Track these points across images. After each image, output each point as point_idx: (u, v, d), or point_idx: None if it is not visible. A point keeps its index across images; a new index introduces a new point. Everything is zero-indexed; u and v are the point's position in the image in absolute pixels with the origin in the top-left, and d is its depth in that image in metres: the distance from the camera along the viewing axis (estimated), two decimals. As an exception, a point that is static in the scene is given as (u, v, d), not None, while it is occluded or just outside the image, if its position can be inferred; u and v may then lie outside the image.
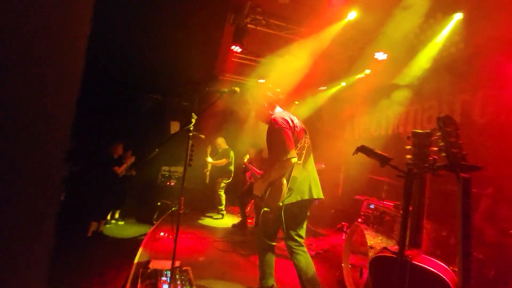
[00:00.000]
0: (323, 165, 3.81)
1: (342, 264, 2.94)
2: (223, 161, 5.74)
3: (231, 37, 4.38)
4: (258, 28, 4.35)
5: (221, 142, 6.08)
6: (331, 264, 3.41)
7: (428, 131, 1.32)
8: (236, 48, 4.42)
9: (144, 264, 2.93)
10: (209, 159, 5.81)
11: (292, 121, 2.34)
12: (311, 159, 2.42)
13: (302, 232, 2.35)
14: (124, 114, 6.96)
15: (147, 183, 6.21)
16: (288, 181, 2.19)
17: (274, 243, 2.40)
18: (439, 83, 3.80)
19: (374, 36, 3.96)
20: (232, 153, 5.91)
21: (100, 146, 4.79)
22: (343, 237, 3.48)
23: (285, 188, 2.15)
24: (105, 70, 6.42)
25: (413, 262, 1.40)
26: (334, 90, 5.79)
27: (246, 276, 3.00)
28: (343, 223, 3.87)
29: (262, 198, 2.33)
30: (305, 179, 2.28)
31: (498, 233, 2.32)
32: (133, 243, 3.78)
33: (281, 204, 2.15)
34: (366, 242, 2.56)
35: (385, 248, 1.65)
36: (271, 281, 2.40)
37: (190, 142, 2.29)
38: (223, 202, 5.74)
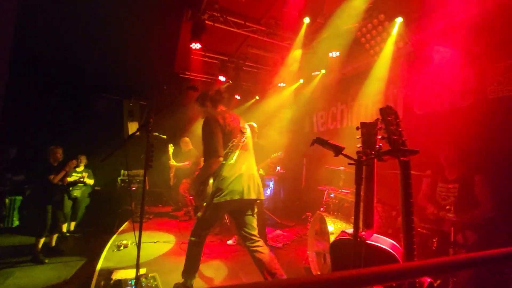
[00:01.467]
0: (280, 153, 3.97)
1: (308, 252, 3.10)
2: (187, 163, 5.60)
3: (189, 34, 4.27)
4: (216, 25, 4.31)
5: (186, 142, 5.91)
6: (297, 253, 3.56)
7: (373, 121, 1.46)
8: (195, 45, 4.32)
9: (106, 276, 2.76)
10: (173, 162, 5.62)
11: (225, 119, 2.33)
12: (249, 158, 2.42)
13: (253, 230, 2.38)
14: (76, 116, 6.39)
15: (106, 190, 5.80)
16: (215, 180, 2.23)
17: (199, 240, 2.41)
18: (385, 79, 4.18)
19: (328, 36, 4.19)
20: (197, 153, 5.80)
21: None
22: (308, 227, 3.66)
23: (210, 188, 2.22)
24: (53, 69, 5.84)
25: (367, 241, 1.53)
26: (294, 87, 6.00)
27: (216, 275, 3.00)
28: (307, 213, 4.06)
29: (196, 196, 2.36)
30: (238, 179, 2.24)
31: (437, 209, 2.64)
32: (92, 256, 3.52)
33: (204, 204, 2.21)
34: (328, 229, 2.73)
35: (343, 231, 1.78)
36: (192, 279, 2.43)
37: (150, 143, 2.20)
38: (189, 203, 5.62)
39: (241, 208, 2.35)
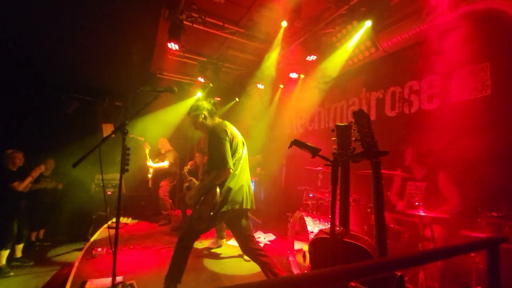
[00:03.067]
0: (259, 156, 4.03)
1: (288, 251, 3.15)
2: (164, 164, 5.45)
3: (166, 33, 4.19)
4: (194, 25, 4.26)
5: (163, 143, 5.76)
6: (278, 253, 3.61)
7: (347, 124, 1.53)
8: (173, 46, 4.24)
9: (79, 286, 2.63)
10: (150, 163, 5.44)
11: (232, 131, 2.44)
12: (247, 170, 2.54)
13: (251, 232, 2.46)
14: (46, 118, 6.00)
15: (79, 195, 5.52)
16: (221, 191, 2.29)
17: (189, 245, 2.43)
18: (358, 82, 4.38)
19: (305, 39, 4.30)
20: (175, 154, 5.67)
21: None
22: (288, 227, 3.72)
23: (218, 198, 2.24)
24: (21, 68, 5.45)
25: (344, 239, 1.59)
26: (276, 96, 6.08)
27: (197, 279, 2.96)
28: (287, 213, 4.13)
29: (194, 206, 2.35)
30: (240, 190, 2.38)
31: (407, 206, 2.80)
32: (64, 265, 3.33)
33: (212, 214, 2.23)
34: (307, 228, 2.80)
35: (321, 230, 1.84)
36: (175, 284, 2.39)
37: (126, 145, 2.14)
38: (169, 206, 5.48)
39: (237, 216, 2.42)
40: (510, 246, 2.13)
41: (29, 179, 3.66)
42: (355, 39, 3.55)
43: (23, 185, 3.59)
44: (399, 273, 1.46)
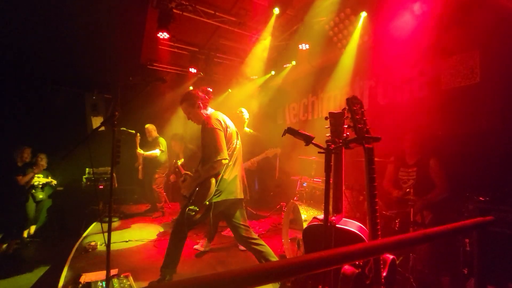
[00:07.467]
0: (278, 149, 4.03)
1: (282, 240, 3.19)
2: (155, 152, 5.31)
3: (155, 23, 4.07)
4: (185, 14, 4.14)
5: (151, 129, 5.53)
6: (273, 242, 3.65)
7: (341, 111, 1.52)
8: (163, 35, 4.13)
9: (74, 280, 2.61)
10: (140, 151, 5.22)
11: (225, 122, 2.43)
12: (240, 160, 2.55)
13: (246, 222, 2.50)
14: (32, 111, 5.81)
15: (70, 190, 5.42)
16: (217, 181, 2.30)
17: (183, 235, 2.48)
18: (351, 72, 4.36)
19: (297, 27, 4.25)
20: (164, 142, 5.50)
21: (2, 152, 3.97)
22: (282, 216, 3.75)
23: (213, 188, 2.26)
24: (2, 58, 5.22)
25: (337, 225, 1.62)
26: (265, 78, 6.00)
27: (192, 269, 2.98)
28: (281, 203, 4.16)
29: (190, 197, 2.35)
30: (234, 180, 2.40)
31: (399, 192, 2.85)
32: (57, 261, 3.29)
33: (207, 203, 2.26)
34: (301, 217, 2.83)
35: (314, 218, 1.86)
36: (171, 274, 2.46)
37: (116, 138, 2.09)
38: (162, 198, 5.45)
39: (232, 206, 2.45)
40: (497, 229, 2.20)
41: (31, 174, 3.82)
42: (353, 30, 3.54)
43: (26, 180, 3.76)
44: (391, 256, 1.50)
